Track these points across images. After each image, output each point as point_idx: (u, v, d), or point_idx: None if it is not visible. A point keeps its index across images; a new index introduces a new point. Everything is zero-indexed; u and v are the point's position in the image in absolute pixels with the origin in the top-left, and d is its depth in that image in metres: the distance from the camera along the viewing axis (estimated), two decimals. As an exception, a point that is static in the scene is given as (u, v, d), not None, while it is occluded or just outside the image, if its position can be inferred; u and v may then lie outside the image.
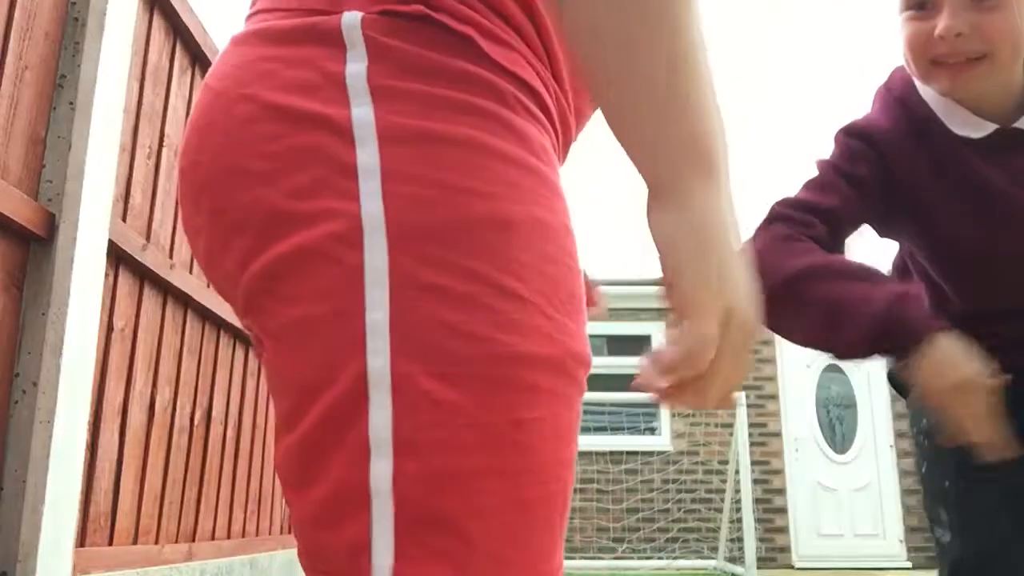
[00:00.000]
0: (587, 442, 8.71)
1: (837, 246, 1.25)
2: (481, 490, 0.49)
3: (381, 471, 0.47)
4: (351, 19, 0.53)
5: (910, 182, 1.24)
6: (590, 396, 8.58)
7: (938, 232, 1.25)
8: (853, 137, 1.27)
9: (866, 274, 1.15)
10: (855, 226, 1.29)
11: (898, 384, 1.29)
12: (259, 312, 0.53)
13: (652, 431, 8.91)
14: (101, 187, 1.91)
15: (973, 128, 1.20)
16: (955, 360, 1.07)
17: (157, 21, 2.44)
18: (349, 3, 0.55)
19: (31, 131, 1.80)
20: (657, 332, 9.15)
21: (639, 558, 8.11)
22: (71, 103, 1.87)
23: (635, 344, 9.19)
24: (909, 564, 8.40)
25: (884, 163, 1.24)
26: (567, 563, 7.47)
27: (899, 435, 8.83)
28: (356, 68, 0.52)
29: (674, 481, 8.62)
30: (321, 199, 0.50)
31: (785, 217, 1.23)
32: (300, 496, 0.51)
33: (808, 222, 1.22)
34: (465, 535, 0.48)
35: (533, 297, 0.52)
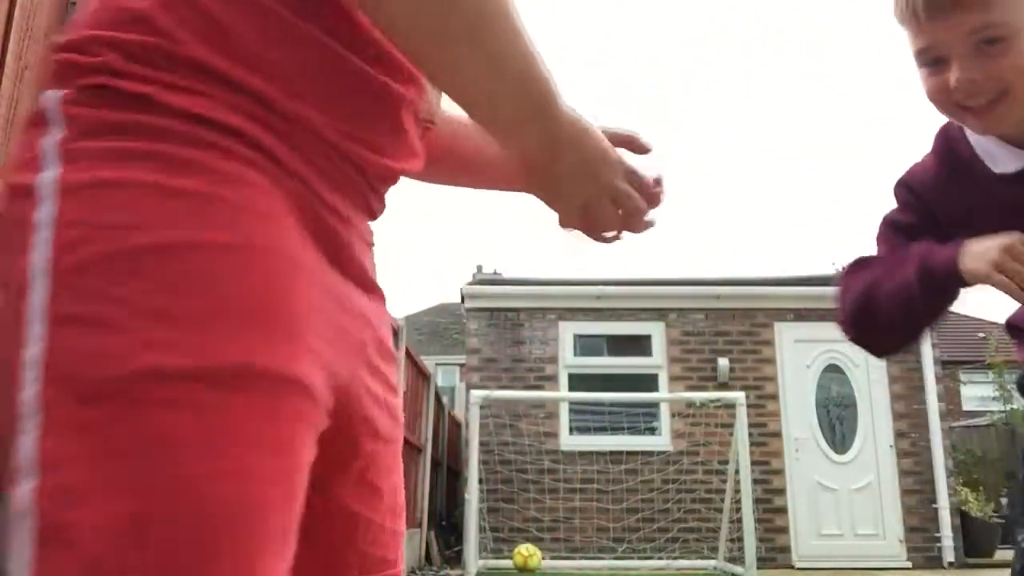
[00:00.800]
0: (587, 442, 8.71)
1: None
2: (108, 504, 0.51)
3: (23, 492, 0.52)
4: (51, 97, 0.62)
5: (956, 221, 1.32)
6: (590, 396, 8.59)
7: None
8: (900, 188, 1.40)
9: (898, 261, 1.32)
10: None
11: None
12: None
13: (652, 431, 8.91)
14: (101, 187, 1.91)
15: (1010, 163, 1.25)
16: (985, 243, 1.20)
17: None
18: (54, 84, 0.63)
19: (31, 131, 1.80)
20: (657, 332, 9.15)
21: (639, 558, 8.11)
22: (71, 103, 1.87)
23: (635, 344, 9.20)
24: (909, 564, 8.40)
25: (928, 209, 1.36)
26: (567, 563, 7.48)
27: (899, 435, 8.84)
28: (52, 139, 0.60)
29: (674, 481, 8.62)
30: (2, 259, 0.58)
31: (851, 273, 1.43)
32: None
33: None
34: (90, 550, 0.51)
35: (187, 315, 0.56)
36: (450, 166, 1.02)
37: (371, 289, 0.79)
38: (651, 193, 0.84)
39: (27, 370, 0.54)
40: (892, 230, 1.39)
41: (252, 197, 0.62)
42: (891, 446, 8.82)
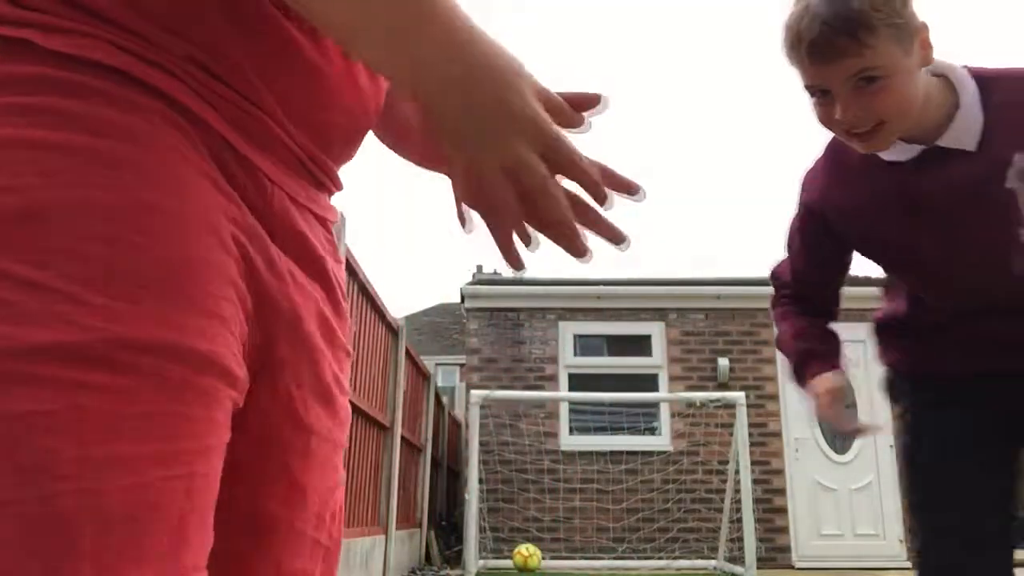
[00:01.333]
0: (587, 442, 8.71)
1: (831, 287, 1.69)
2: None
3: None
4: None
5: (852, 223, 1.53)
6: (590, 396, 8.59)
7: (892, 249, 1.52)
8: (800, 204, 1.62)
9: (803, 337, 1.70)
10: (838, 266, 1.65)
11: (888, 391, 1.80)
12: None
13: (652, 431, 8.91)
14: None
15: (901, 153, 1.40)
16: (817, 387, 1.66)
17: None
18: None
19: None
20: (657, 332, 9.14)
21: (639, 558, 8.10)
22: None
23: (635, 344, 9.19)
24: (909, 564, 8.40)
25: (825, 220, 1.56)
26: (567, 563, 7.48)
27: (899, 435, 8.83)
28: None
29: (674, 481, 8.62)
30: None
31: (779, 296, 1.77)
32: None
33: (797, 294, 1.72)
34: None
35: (58, 284, 0.49)
36: (386, 129, 0.89)
37: (315, 262, 0.70)
38: (586, 178, 0.60)
39: None
40: (802, 243, 1.64)
41: (146, 151, 0.54)
42: (891, 446, 8.81)
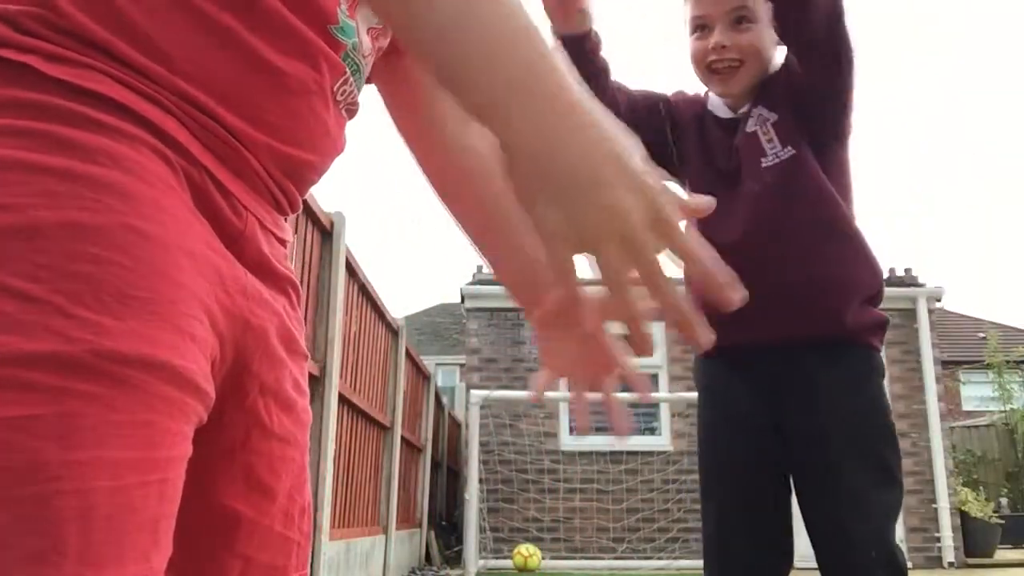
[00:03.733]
0: (587, 442, 8.71)
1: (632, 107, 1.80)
2: None
3: None
4: None
5: (682, 138, 1.80)
6: (590, 396, 8.55)
7: (689, 176, 1.79)
8: (666, 95, 1.86)
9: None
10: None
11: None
12: None
13: (652, 431, 8.91)
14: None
15: (724, 112, 1.76)
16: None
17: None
18: None
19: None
20: (657, 332, 9.14)
21: (639, 558, 8.11)
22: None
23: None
24: (909, 564, 8.38)
25: (669, 110, 1.83)
26: (567, 563, 7.48)
27: (899, 435, 8.83)
28: None
29: (674, 481, 8.62)
30: None
31: None
32: None
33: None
34: None
35: (51, 297, 0.53)
36: (455, 201, 0.94)
37: (278, 281, 0.75)
38: (665, 297, 0.60)
39: None
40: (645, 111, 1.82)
41: (133, 179, 0.58)
42: (891, 446, 8.83)
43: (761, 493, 1.68)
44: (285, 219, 0.79)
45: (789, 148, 1.62)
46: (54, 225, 0.55)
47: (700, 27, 1.66)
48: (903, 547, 7.78)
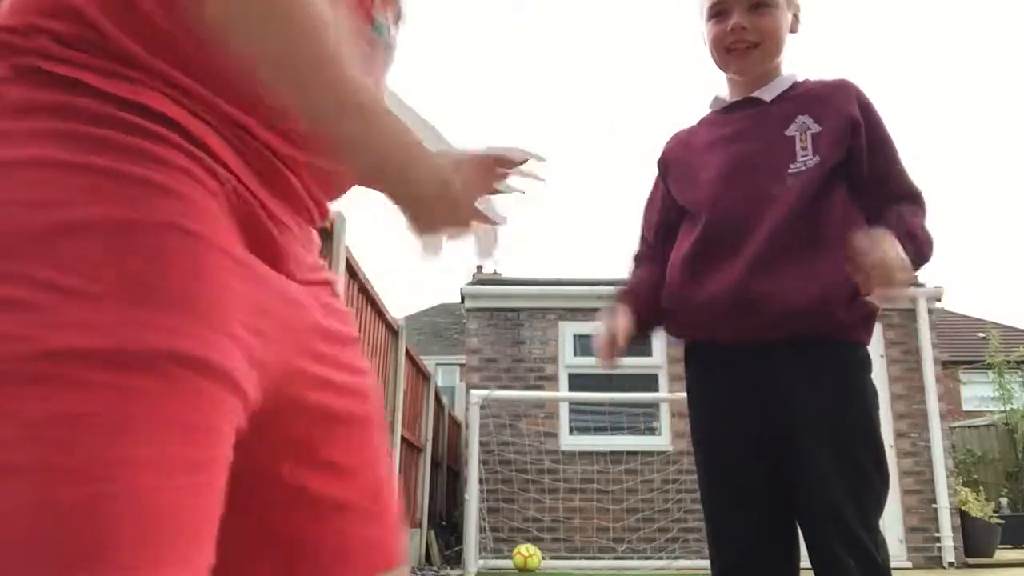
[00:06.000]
0: (587, 442, 8.70)
1: (669, 236, 1.85)
2: (5, 484, 0.50)
3: None
4: None
5: (680, 160, 1.87)
6: (590, 396, 8.59)
7: (696, 171, 1.80)
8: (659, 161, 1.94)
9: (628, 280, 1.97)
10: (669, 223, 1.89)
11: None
12: None
13: (652, 431, 8.91)
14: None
15: (734, 96, 1.81)
16: (606, 314, 1.96)
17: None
18: None
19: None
20: (657, 332, 9.13)
21: (639, 558, 8.10)
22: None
23: (635, 344, 9.18)
24: (909, 564, 8.40)
25: (666, 167, 1.89)
26: (567, 563, 7.48)
27: (899, 435, 8.83)
28: None
29: (674, 481, 8.62)
30: None
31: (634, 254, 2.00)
32: None
33: (642, 241, 1.96)
34: None
35: (103, 296, 0.54)
36: None
37: (314, 279, 0.80)
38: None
39: None
40: (658, 192, 1.92)
41: (181, 183, 0.61)
42: (891, 446, 8.81)
43: (757, 483, 1.71)
44: (314, 227, 0.85)
45: (817, 156, 1.67)
46: (103, 221, 0.56)
47: (719, 13, 1.72)
48: (903, 547, 7.79)
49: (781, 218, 1.63)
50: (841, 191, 1.67)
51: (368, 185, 0.78)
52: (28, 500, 0.49)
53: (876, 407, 1.66)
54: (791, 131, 1.70)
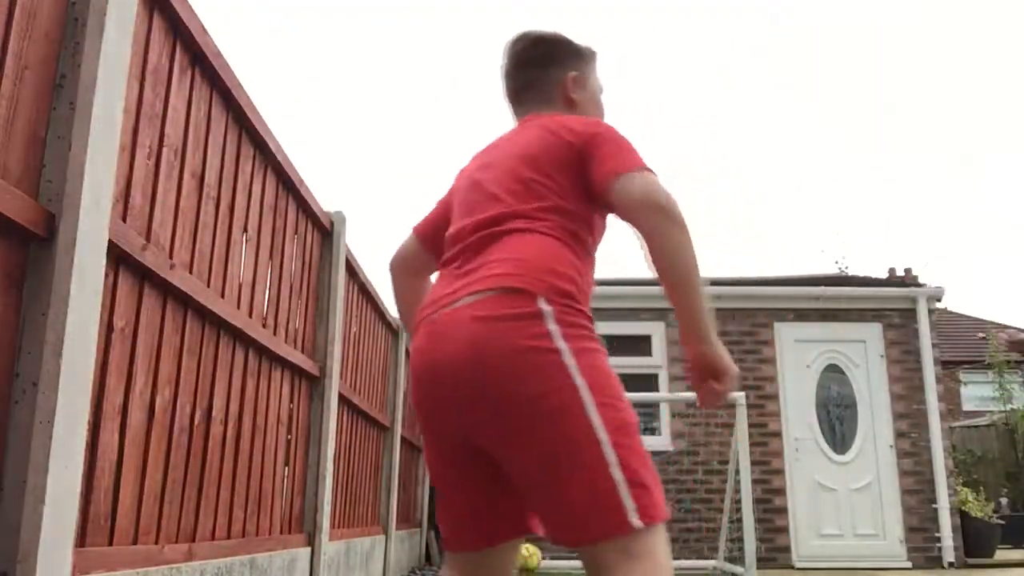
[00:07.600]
0: (587, 442, 8.69)
1: None
2: (637, 450, 1.38)
3: (625, 487, 1.34)
4: (547, 308, 1.39)
5: None
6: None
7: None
8: None
9: None
10: None
11: None
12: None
13: (652, 431, 8.91)
14: (101, 187, 1.90)
15: None
16: None
17: (157, 21, 2.43)
18: (551, 301, 1.41)
19: (31, 131, 1.80)
20: (657, 332, 9.14)
21: (639, 558, 8.08)
22: (71, 103, 1.87)
23: (635, 344, 9.19)
24: (909, 564, 8.40)
25: None
26: (567, 563, 7.48)
27: (899, 435, 8.83)
28: (554, 327, 1.38)
29: (674, 481, 8.62)
30: (556, 380, 1.36)
31: None
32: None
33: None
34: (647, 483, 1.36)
35: (621, 401, 1.40)
36: (406, 304, 1.92)
37: None
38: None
39: (598, 429, 1.32)
40: None
41: (599, 343, 1.46)
42: (891, 446, 8.82)
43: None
44: None
45: None
46: (606, 370, 1.41)
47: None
48: (903, 547, 7.81)
49: None
50: None
51: (685, 342, 1.50)
52: (641, 454, 1.38)
53: None
54: None
